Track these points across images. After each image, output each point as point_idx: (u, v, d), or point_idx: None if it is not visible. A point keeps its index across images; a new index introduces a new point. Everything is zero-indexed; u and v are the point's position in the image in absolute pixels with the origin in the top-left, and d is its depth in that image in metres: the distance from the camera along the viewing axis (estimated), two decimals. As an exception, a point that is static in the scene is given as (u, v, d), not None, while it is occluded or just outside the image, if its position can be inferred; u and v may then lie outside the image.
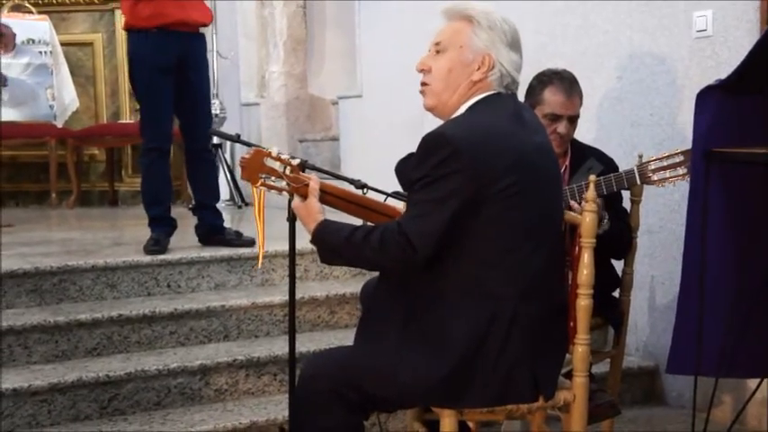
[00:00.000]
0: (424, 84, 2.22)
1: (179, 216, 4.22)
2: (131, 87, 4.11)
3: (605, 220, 2.72)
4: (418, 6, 4.71)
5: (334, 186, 2.34)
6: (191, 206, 4.38)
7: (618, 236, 2.85)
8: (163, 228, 3.99)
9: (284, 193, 2.30)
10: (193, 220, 4.21)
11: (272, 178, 2.27)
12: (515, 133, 2.12)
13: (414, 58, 2.27)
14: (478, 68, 2.15)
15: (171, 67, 3.92)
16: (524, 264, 2.10)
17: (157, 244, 3.87)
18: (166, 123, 3.99)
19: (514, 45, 2.17)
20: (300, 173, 2.30)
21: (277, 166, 2.27)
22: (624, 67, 3.66)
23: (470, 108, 2.16)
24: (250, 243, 4.01)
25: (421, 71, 2.23)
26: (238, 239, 4.04)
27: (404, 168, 2.95)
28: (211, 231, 4.09)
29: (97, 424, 3.07)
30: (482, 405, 2.11)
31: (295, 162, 2.30)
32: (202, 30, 4.14)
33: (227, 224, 4.24)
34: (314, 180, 2.29)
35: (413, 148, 2.18)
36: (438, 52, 2.19)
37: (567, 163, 2.94)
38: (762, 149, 2.44)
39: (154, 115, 3.96)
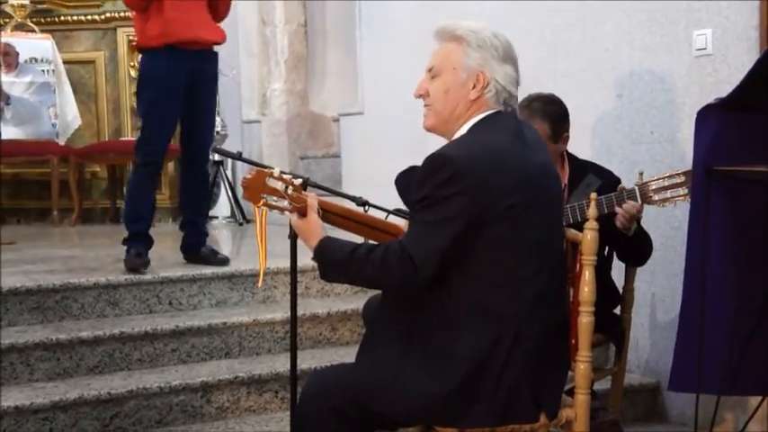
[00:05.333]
0: (427, 106, 2.24)
1: (175, 232, 4.19)
2: (137, 103, 4.12)
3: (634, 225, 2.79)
4: (419, 24, 4.74)
5: (334, 204, 2.35)
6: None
7: (646, 239, 2.90)
8: (142, 244, 3.95)
9: (286, 212, 2.30)
10: None
11: (274, 198, 2.28)
12: (518, 152, 2.12)
13: (415, 75, 2.29)
14: (474, 87, 2.15)
15: (181, 85, 3.94)
16: (528, 283, 2.10)
17: (140, 256, 3.84)
18: (165, 142, 4.00)
19: (507, 58, 2.17)
20: (302, 192, 2.31)
21: (279, 185, 2.28)
22: (624, 85, 3.68)
23: (471, 128, 2.16)
24: (224, 262, 3.99)
25: (419, 96, 2.24)
26: (214, 257, 4.02)
27: (404, 181, 2.96)
28: (191, 248, 4.08)
29: (99, 442, 3.07)
30: (484, 424, 2.11)
31: (297, 182, 2.31)
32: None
33: (228, 241, 4.24)
34: (311, 197, 2.30)
35: (419, 170, 2.18)
36: (433, 77, 2.21)
37: (566, 180, 2.95)
38: (762, 167, 2.45)
39: (155, 133, 3.96)
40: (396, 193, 2.98)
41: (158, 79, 3.91)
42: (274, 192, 2.28)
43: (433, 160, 2.07)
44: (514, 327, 2.07)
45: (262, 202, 2.28)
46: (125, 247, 3.94)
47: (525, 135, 2.19)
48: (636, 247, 2.89)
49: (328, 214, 2.31)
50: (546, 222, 2.15)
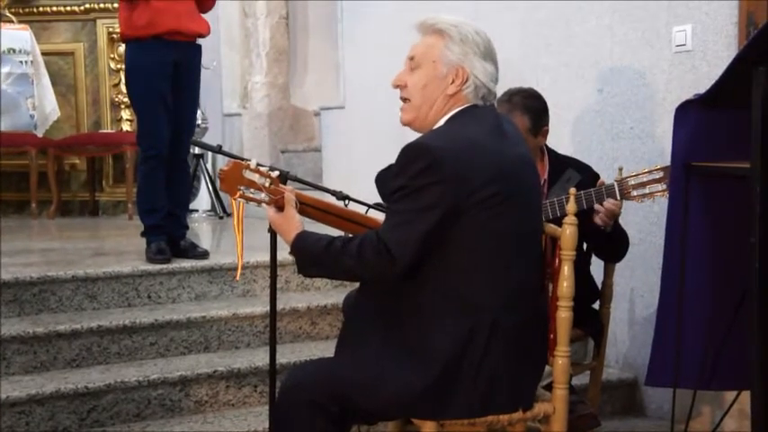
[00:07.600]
0: (404, 99, 2.24)
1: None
2: (128, 96, 4.12)
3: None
4: (401, 18, 4.73)
5: (312, 198, 2.34)
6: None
7: (623, 236, 2.91)
8: (160, 236, 3.98)
9: (263, 204, 2.30)
10: None
11: (252, 190, 2.27)
12: (496, 144, 2.12)
13: (396, 69, 2.28)
14: (453, 82, 2.16)
15: (167, 74, 3.95)
16: (505, 274, 2.11)
17: (162, 253, 3.88)
18: (164, 131, 3.98)
19: (488, 55, 2.18)
20: (280, 185, 2.30)
21: (256, 178, 2.27)
22: (605, 80, 3.69)
23: (449, 120, 2.17)
24: (203, 255, 3.99)
25: (397, 87, 2.24)
26: (193, 250, 4.02)
27: (384, 178, 2.96)
28: (171, 241, 4.07)
29: (76, 436, 3.05)
30: (463, 416, 2.11)
31: (274, 174, 2.30)
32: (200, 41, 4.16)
33: (207, 235, 4.23)
34: (289, 190, 2.29)
35: (395, 160, 2.18)
36: (413, 68, 2.21)
37: (546, 175, 2.96)
38: (739, 163, 2.46)
39: (152, 123, 3.96)
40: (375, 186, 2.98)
41: (146, 70, 3.91)
42: (251, 184, 2.27)
43: (410, 150, 2.07)
44: (491, 317, 2.08)
45: (238, 194, 2.27)
46: (145, 240, 3.99)
47: (504, 128, 2.19)
48: (613, 245, 2.90)
49: (306, 207, 2.30)
50: (524, 214, 2.16)
